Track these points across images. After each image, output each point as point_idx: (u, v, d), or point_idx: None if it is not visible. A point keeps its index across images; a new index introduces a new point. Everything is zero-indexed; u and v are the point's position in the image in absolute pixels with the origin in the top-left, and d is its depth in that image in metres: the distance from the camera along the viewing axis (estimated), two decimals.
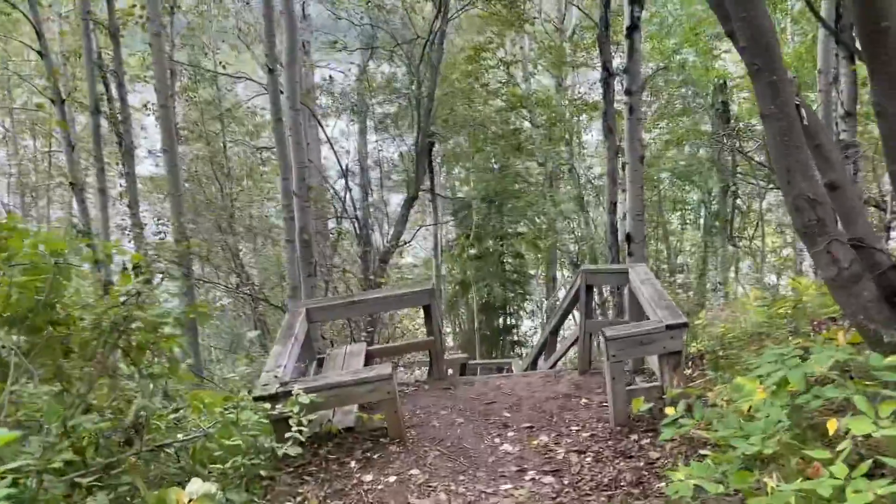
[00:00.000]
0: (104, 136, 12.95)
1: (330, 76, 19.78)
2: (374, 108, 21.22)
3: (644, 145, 12.71)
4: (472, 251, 23.83)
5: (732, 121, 16.48)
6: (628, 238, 11.79)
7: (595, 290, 7.24)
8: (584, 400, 6.36)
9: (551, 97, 18.99)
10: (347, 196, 15.73)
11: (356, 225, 13.27)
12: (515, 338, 27.28)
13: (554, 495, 4.69)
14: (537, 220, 21.63)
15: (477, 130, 17.48)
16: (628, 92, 11.51)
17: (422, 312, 7.24)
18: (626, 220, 11.90)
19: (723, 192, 17.67)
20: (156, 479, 4.85)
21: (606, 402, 6.22)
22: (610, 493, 4.55)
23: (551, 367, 8.61)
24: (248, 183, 20.07)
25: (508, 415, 6.17)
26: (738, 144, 15.55)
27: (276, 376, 5.44)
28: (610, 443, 5.33)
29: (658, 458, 4.84)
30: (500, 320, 26.48)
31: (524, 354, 26.29)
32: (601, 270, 6.88)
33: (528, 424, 5.91)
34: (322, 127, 15.07)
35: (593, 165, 21.34)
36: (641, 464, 4.81)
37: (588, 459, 5.13)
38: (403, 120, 19.90)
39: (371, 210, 16.35)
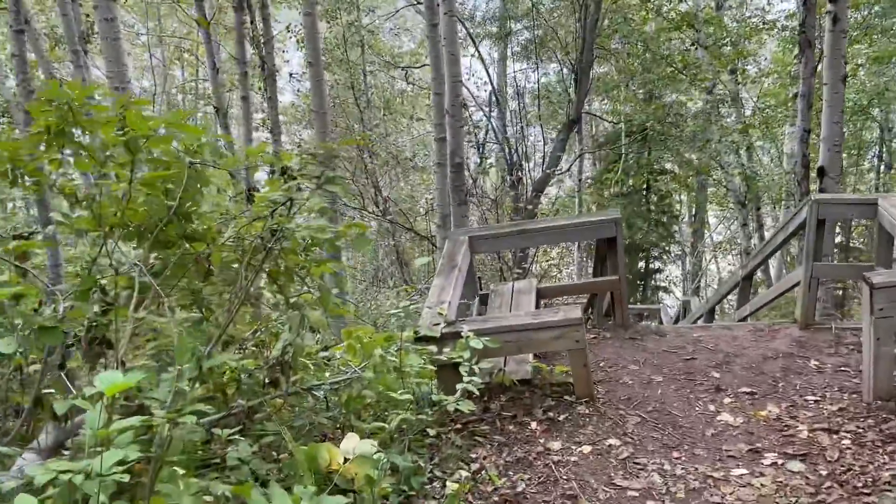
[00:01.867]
0: (249, 61, 12.41)
1: None
2: (517, 34, 19.80)
3: (846, 63, 10.74)
4: (617, 188, 22.20)
5: None
6: (821, 172, 10.17)
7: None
8: (813, 362, 5.08)
9: (719, 17, 16.83)
10: (490, 126, 14.63)
11: (507, 151, 12.14)
12: (658, 283, 25.63)
13: (812, 490, 3.53)
14: (693, 157, 19.64)
15: (637, 50, 15.75)
16: None
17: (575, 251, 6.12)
18: (820, 151, 10.21)
19: None
20: (303, 430, 4.10)
21: (844, 367, 4.95)
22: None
23: (742, 319, 7.30)
24: (386, 115, 19.34)
25: (718, 375, 5.00)
26: None
27: (440, 313, 4.53)
28: (870, 422, 4.07)
29: None
30: (642, 264, 24.85)
31: (664, 302, 24.67)
32: (839, 201, 5.44)
33: (747, 389, 4.73)
34: (476, 44, 13.85)
35: (762, 92, 19.04)
36: None
37: (846, 443, 3.91)
38: (549, 46, 18.41)
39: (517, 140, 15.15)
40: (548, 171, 11.72)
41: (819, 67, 11.57)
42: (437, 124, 8.50)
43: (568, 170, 15.37)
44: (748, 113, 18.69)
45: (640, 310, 18.91)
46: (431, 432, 4.04)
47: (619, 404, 4.58)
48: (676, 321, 13.75)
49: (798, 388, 4.70)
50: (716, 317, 10.30)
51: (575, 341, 4.41)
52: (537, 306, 5.85)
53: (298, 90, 18.22)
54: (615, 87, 18.68)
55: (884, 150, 22.21)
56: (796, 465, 3.75)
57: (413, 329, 4.38)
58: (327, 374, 4.82)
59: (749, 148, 18.08)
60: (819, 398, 4.51)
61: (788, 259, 17.92)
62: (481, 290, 6.19)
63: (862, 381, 4.39)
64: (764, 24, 16.23)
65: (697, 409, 4.52)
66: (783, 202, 18.35)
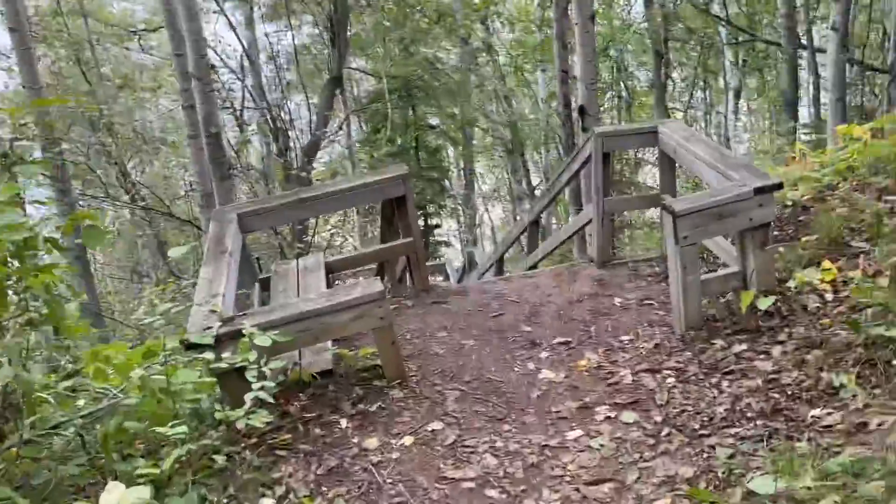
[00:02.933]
0: None
1: None
2: None
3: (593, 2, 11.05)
4: (387, 148, 21.89)
5: None
6: (581, 111, 10.41)
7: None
8: (617, 300, 4.94)
9: None
10: (246, 91, 13.47)
11: (269, 118, 11.09)
12: (438, 238, 25.96)
13: (652, 440, 3.28)
14: (456, 110, 19.75)
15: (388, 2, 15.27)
16: None
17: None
18: (578, 91, 10.45)
19: (657, 56, 16.33)
20: (48, 486, 3.17)
21: (647, 300, 4.86)
22: (737, 429, 3.17)
23: (534, 266, 7.18)
24: (125, 90, 17.22)
25: (529, 329, 4.69)
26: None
27: (214, 311, 3.72)
28: (688, 354, 3.95)
29: (776, 372, 3.48)
30: (422, 221, 24.97)
31: (447, 256, 25.08)
32: (622, 132, 5.31)
33: (562, 339, 4.45)
34: (219, 3, 12.47)
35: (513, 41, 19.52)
36: (758, 381, 3.44)
37: (671, 381, 3.73)
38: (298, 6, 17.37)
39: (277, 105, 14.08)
40: (316, 132, 10.93)
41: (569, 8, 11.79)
42: (184, 90, 7.41)
43: (336, 131, 14.64)
44: (503, 61, 19.09)
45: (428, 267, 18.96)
46: (220, 458, 3.26)
47: (434, 379, 4.09)
48: (462, 273, 13.78)
49: (610, 329, 4.51)
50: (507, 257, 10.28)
51: (379, 318, 3.83)
52: (329, 284, 5.18)
53: (11, 68, 15.56)
54: (372, 44, 18.12)
55: (622, 88, 23.95)
56: (630, 416, 3.50)
57: (180, 335, 3.54)
58: (82, 403, 3.85)
59: (507, 96, 18.50)
60: (633, 337, 4.34)
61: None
62: (261, 273, 5.40)
63: (672, 312, 4.26)
64: None
65: (517, 369, 4.16)
66: (544, 146, 19.13)
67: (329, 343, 4.21)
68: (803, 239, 4.71)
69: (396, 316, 5.06)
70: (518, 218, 18.89)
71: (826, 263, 4.13)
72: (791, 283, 4.03)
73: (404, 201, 5.08)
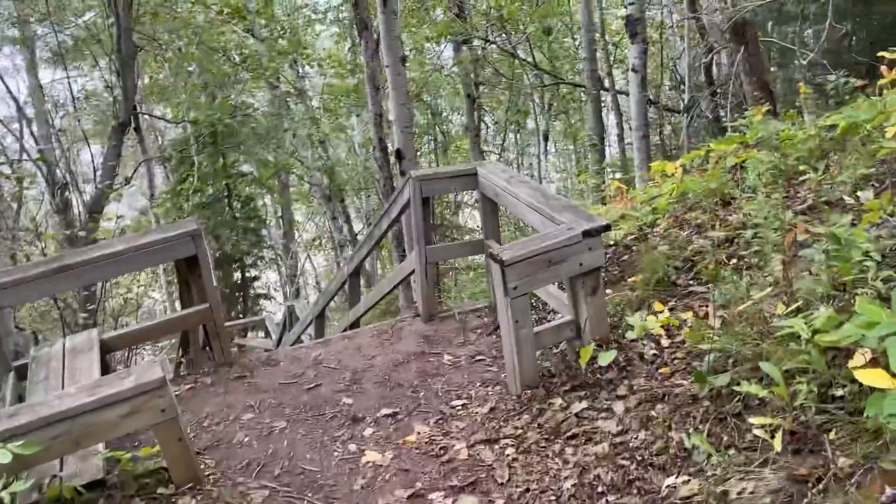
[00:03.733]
0: None
1: None
2: (44, 38, 16.74)
3: (403, 43, 10.85)
4: (196, 199, 20.49)
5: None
6: (398, 154, 10.19)
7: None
8: (447, 357, 4.49)
9: (270, 8, 16.16)
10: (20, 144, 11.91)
11: (46, 171, 9.64)
12: (256, 291, 24.64)
13: None
14: (270, 156, 18.89)
15: (188, 45, 14.28)
16: None
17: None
18: (394, 134, 10.20)
19: (469, 100, 16.53)
20: None
21: (479, 356, 4.46)
22: None
23: (353, 324, 6.61)
24: None
25: (350, 401, 4.10)
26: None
27: None
28: (526, 417, 3.55)
29: (622, 433, 3.15)
30: (238, 274, 23.60)
31: (267, 311, 23.86)
32: (441, 175, 4.90)
33: (388, 411, 3.91)
34: None
35: (326, 84, 19.06)
36: (604, 445, 3.09)
37: (510, 453, 3.30)
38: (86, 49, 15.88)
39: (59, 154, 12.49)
40: (100, 185, 9.70)
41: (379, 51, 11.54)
42: None
43: (127, 182, 13.28)
44: (316, 105, 18.57)
45: (244, 324, 17.71)
46: None
47: (237, 477, 3.39)
48: (283, 330, 12.91)
49: (440, 393, 4.04)
50: (328, 316, 9.63)
51: (160, 412, 3.09)
52: (106, 367, 4.29)
53: None
54: (173, 89, 16.93)
55: (437, 132, 24.21)
56: (469, 502, 3.01)
57: None
58: None
59: (323, 141, 17.95)
60: (466, 400, 3.89)
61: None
62: (16, 360, 4.39)
63: (506, 370, 3.87)
64: (314, 13, 16.08)
65: (336, 453, 3.55)
66: (364, 191, 18.72)
67: (100, 446, 3.38)
68: (630, 279, 4.54)
69: (192, 398, 4.29)
70: (340, 265, 18.29)
71: (657, 306, 3.93)
72: (627, 331, 3.77)
73: (196, 262, 4.34)
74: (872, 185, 4.04)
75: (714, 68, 9.72)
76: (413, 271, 5.12)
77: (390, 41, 9.79)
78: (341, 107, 18.99)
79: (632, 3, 8.88)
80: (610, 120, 13.97)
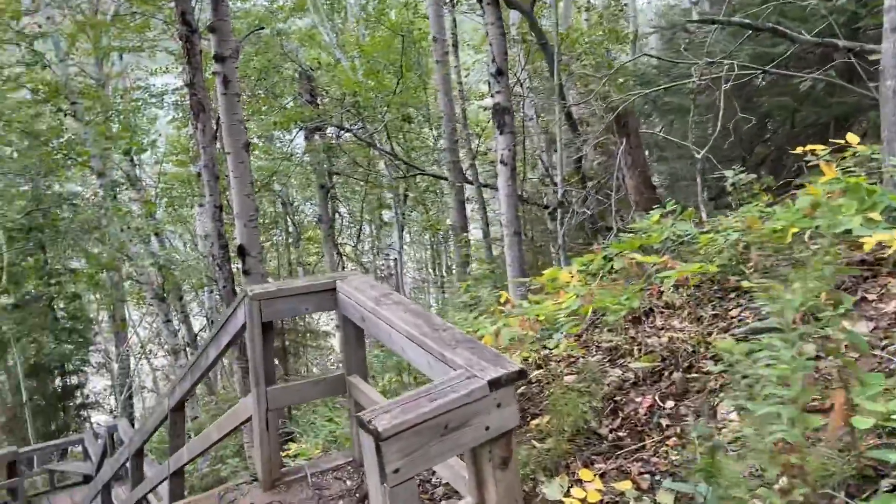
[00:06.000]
0: None
1: None
2: None
3: (246, 128, 9.70)
4: (8, 300, 17.83)
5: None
6: (241, 251, 8.99)
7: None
8: None
9: (98, 90, 14.52)
10: None
11: None
12: (81, 399, 21.68)
13: None
14: (97, 250, 16.79)
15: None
16: (219, 58, 8.65)
17: None
18: (237, 228, 9.01)
19: (322, 190, 15.47)
20: None
21: None
22: None
23: (173, 476, 5.15)
24: None
25: None
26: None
27: None
28: None
29: None
30: (58, 382, 20.68)
31: (93, 425, 21.02)
32: (286, 292, 3.67)
33: None
34: None
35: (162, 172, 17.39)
36: None
37: None
38: None
39: None
40: None
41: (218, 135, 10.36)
42: None
43: None
44: (152, 194, 16.85)
45: (61, 444, 15.16)
46: None
47: None
48: (103, 457, 10.89)
49: None
50: (147, 454, 7.91)
51: None
52: None
53: None
54: None
55: (288, 223, 22.87)
56: None
57: None
58: None
59: (158, 234, 16.17)
60: None
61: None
62: None
63: None
64: (152, 97, 14.62)
65: None
66: (205, 288, 16.97)
67: None
68: (534, 423, 3.54)
69: None
70: (158, 400, 16.20)
71: (583, 473, 2.93)
72: None
73: None
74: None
75: (583, 162, 9.32)
76: (249, 418, 3.84)
77: (231, 125, 8.68)
78: (182, 195, 17.38)
79: (498, 92, 8.29)
80: (470, 215, 13.44)
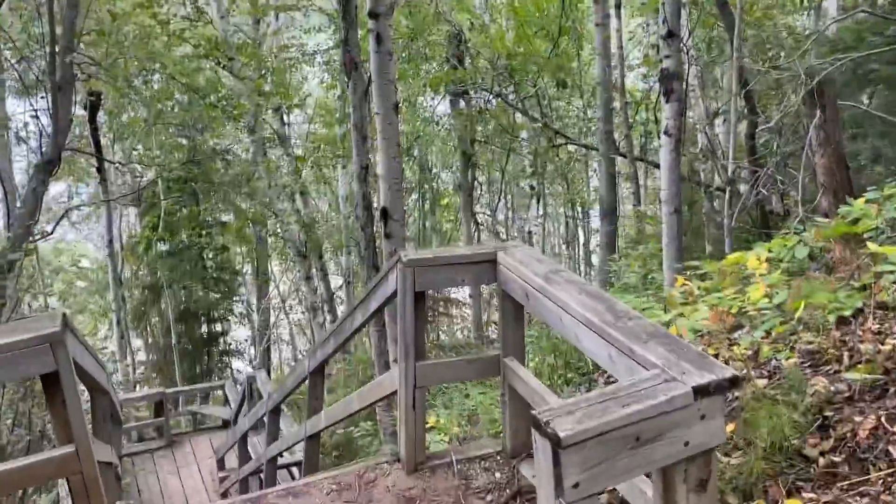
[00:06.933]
0: None
1: None
2: None
3: (397, 88, 9.48)
4: (164, 247, 18.87)
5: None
6: (384, 213, 8.77)
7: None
8: None
9: (252, 45, 14.80)
10: None
11: None
12: (224, 346, 22.80)
13: None
14: (246, 205, 17.37)
15: (167, 80, 12.90)
16: (373, 14, 8.38)
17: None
18: (381, 190, 8.79)
19: (465, 157, 15.18)
20: None
21: None
22: None
23: (313, 437, 5.01)
24: None
25: None
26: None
27: None
28: None
29: None
30: (204, 328, 21.81)
31: (235, 371, 22.01)
32: (443, 260, 3.34)
33: None
34: None
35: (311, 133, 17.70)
36: None
37: None
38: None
39: None
40: (16, 229, 8.05)
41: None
42: None
43: (51, 232, 11.52)
44: (299, 153, 17.17)
45: (204, 388, 15.87)
46: None
47: None
48: (241, 405, 11.25)
49: None
50: (283, 410, 7.97)
51: None
52: None
53: None
54: (142, 129, 15.44)
55: (426, 188, 22.81)
56: None
57: None
58: None
59: (303, 192, 16.48)
60: None
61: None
62: None
63: None
64: (302, 55, 14.79)
65: None
66: (345, 248, 17.19)
67: None
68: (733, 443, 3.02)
69: None
70: (316, 329, 16.57)
71: (791, 502, 2.41)
72: None
73: (58, 381, 2.76)
74: None
75: (755, 139, 8.43)
76: (394, 392, 3.56)
77: (383, 85, 8.43)
78: (327, 156, 17.64)
79: (668, 56, 7.59)
80: (621, 190, 12.69)
